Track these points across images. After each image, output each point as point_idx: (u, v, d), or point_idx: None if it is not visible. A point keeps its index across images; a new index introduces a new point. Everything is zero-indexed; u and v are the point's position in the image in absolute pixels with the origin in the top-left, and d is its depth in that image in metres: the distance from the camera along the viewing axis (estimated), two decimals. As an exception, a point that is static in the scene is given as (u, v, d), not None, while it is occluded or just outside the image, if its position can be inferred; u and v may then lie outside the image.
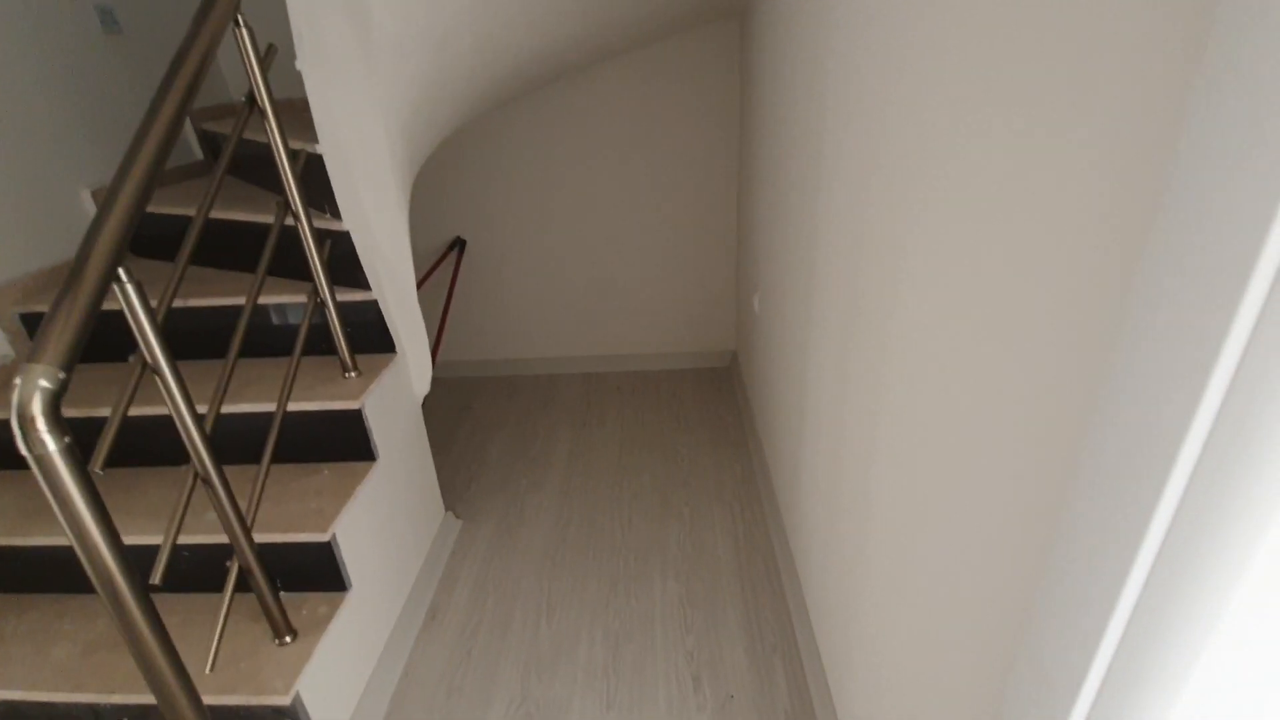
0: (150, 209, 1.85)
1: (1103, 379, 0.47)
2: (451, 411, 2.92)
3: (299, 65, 1.42)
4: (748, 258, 2.54)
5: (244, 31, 1.29)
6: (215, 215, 1.75)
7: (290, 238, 1.51)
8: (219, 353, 1.63)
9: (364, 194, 1.59)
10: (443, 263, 2.98)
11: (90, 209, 1.90)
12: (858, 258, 1.14)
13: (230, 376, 1.25)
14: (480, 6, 1.59)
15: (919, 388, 0.89)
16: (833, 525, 1.38)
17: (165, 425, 1.24)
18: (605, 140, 2.77)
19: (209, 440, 1.14)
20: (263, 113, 1.37)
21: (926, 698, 0.91)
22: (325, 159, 1.52)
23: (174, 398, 1.08)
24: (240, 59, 1.34)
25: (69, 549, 0.88)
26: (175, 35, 2.16)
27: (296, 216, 1.47)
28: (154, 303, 1.04)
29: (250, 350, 1.70)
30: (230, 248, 1.79)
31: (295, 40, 1.39)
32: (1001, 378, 0.67)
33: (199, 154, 2.34)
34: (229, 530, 1.20)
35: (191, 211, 1.81)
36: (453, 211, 2.92)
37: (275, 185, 1.82)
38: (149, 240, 1.96)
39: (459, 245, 3.01)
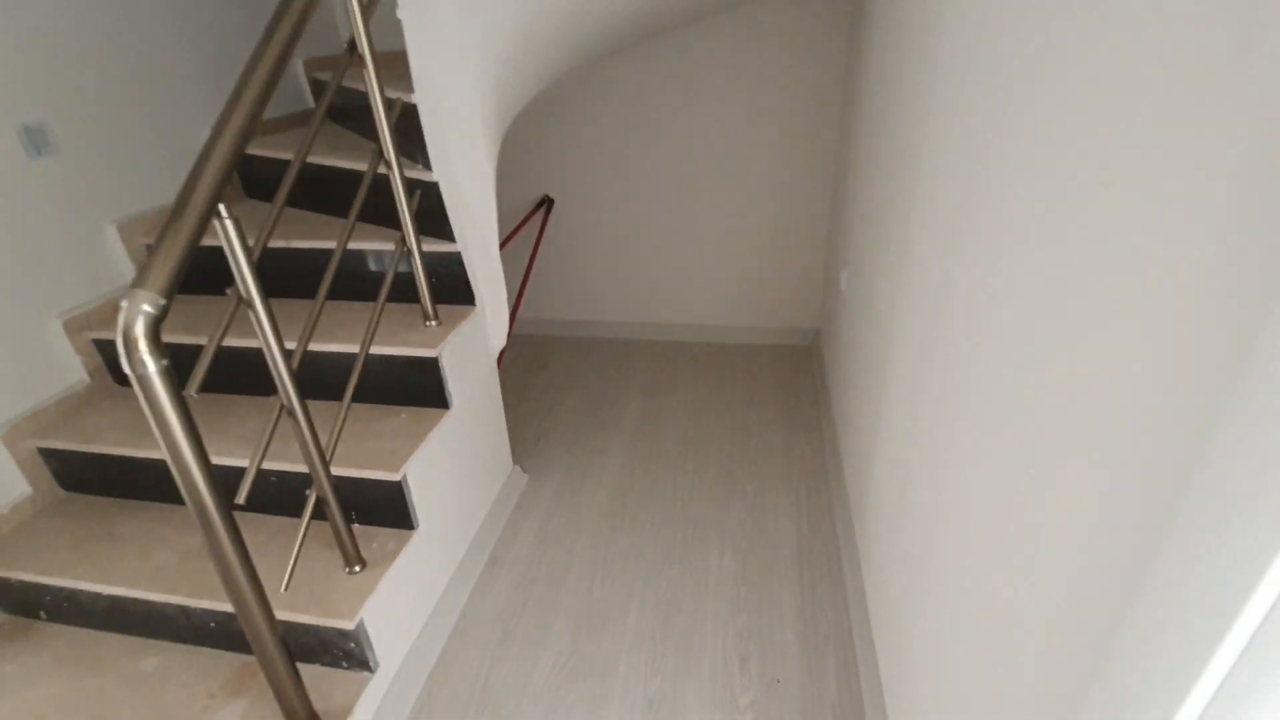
0: (256, 152, 1.96)
1: (1221, 384, 0.40)
2: (528, 367, 2.97)
3: (400, 13, 1.44)
4: (839, 234, 2.42)
5: (348, -25, 1.31)
6: (312, 160, 1.83)
7: (382, 186, 1.56)
8: (309, 293, 1.72)
9: (454, 146, 1.61)
10: (529, 221, 3.01)
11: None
12: (953, 250, 1.04)
13: (318, 317, 1.31)
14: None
15: (1003, 388, 0.81)
16: (901, 517, 1.31)
17: (256, 357, 1.31)
18: (698, 106, 2.69)
19: (295, 375, 1.20)
20: (362, 59, 1.40)
21: (988, 713, 0.85)
22: (419, 109, 1.55)
23: (265, 332, 1.13)
24: (345, 7, 1.36)
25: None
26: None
27: (390, 165, 1.50)
28: (250, 241, 1.09)
29: (338, 293, 1.78)
30: (325, 193, 1.87)
31: (398, -13, 1.41)
32: (1091, 380, 0.59)
33: (310, 102, 2.44)
34: (309, 461, 1.27)
35: (283, 154, 1.90)
36: (542, 169, 2.94)
37: (373, 133, 1.87)
38: (254, 182, 2.07)
39: (547, 204, 3.03)
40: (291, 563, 1.26)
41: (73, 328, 1.66)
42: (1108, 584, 0.57)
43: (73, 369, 1.69)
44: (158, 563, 1.45)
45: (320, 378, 1.60)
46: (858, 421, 1.84)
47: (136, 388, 0.88)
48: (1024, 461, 0.77)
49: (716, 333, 3.16)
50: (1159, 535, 0.50)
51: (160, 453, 0.94)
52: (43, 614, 1.52)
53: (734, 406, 2.61)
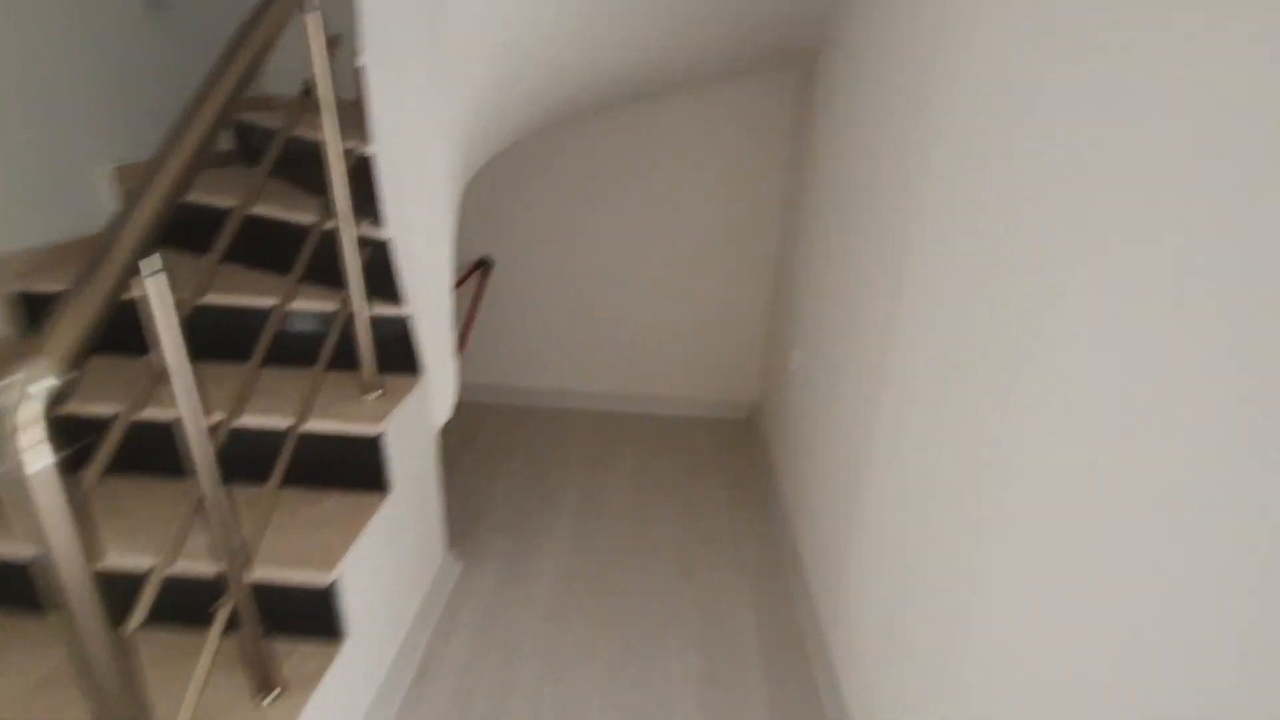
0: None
1: None
2: (460, 437, 2.76)
3: (361, 60, 1.32)
4: (786, 312, 2.44)
5: (314, 16, 1.19)
6: (251, 211, 1.63)
7: (326, 241, 1.39)
8: (234, 356, 1.50)
9: (413, 202, 1.48)
10: (465, 282, 2.86)
11: (107, 186, 1.78)
12: (962, 347, 1.02)
13: (248, 390, 1.11)
14: (565, 7, 1.51)
15: (1044, 507, 0.76)
16: (900, 637, 1.23)
17: (167, 432, 1.09)
18: (646, 173, 2.69)
19: (215, 458, 0.99)
20: (320, 107, 1.26)
21: None
22: (376, 162, 1.41)
23: (186, 411, 0.93)
24: (296, 47, 1.23)
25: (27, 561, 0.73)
26: (219, 12, 2.11)
27: (342, 220, 1.35)
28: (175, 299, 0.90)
29: (267, 358, 1.56)
30: (260, 246, 1.67)
31: (361, 32, 1.30)
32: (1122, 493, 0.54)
33: (227, 144, 2.23)
34: (223, 564, 1.05)
35: (216, 201, 1.69)
36: (480, 228, 2.82)
37: (314, 184, 1.70)
38: (174, 225, 1.83)
39: (485, 265, 2.90)
40: (193, 699, 1.02)
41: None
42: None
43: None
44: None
45: (245, 454, 1.36)
46: (820, 513, 1.79)
47: (11, 484, 0.67)
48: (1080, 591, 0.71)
49: (656, 403, 3.09)
50: None
51: (25, 552, 0.72)
52: None
53: (680, 483, 2.51)
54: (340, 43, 1.34)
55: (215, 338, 1.56)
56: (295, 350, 1.57)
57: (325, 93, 1.25)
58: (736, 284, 2.87)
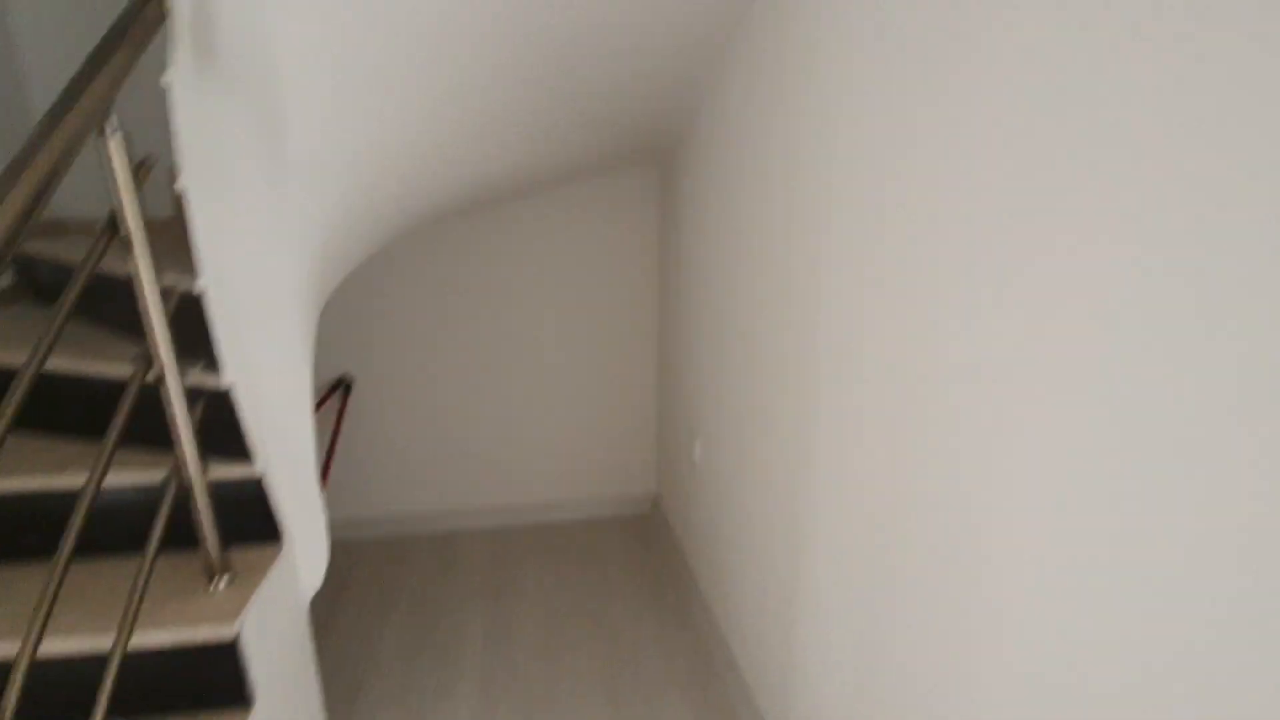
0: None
1: None
2: (329, 587, 2.36)
3: (181, 185, 1.12)
4: (683, 402, 2.39)
5: (116, 140, 0.98)
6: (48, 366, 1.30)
7: (147, 396, 1.13)
8: (27, 554, 1.16)
9: (257, 340, 1.26)
10: (325, 405, 2.55)
11: None
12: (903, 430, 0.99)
13: (50, 609, 0.82)
14: (426, 121, 1.40)
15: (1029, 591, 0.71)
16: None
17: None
18: (518, 272, 2.60)
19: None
20: (128, 241, 1.04)
21: None
22: (208, 299, 1.19)
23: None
24: (98, 170, 1.01)
25: None
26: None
27: (166, 369, 1.10)
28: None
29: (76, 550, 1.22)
30: (60, 407, 1.34)
31: (179, 153, 1.10)
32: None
33: (5, 280, 1.84)
34: None
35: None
36: (338, 342, 2.55)
37: (128, 326, 1.41)
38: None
39: (345, 385, 2.60)
40: None
41: None
42: None
43: None
44: None
45: (52, 694, 1.01)
46: (753, 613, 1.69)
47: None
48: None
49: (553, 510, 2.88)
50: None
51: None
52: None
53: (592, 599, 2.30)
54: (154, 162, 1.13)
55: (3, 534, 1.20)
56: (117, 535, 1.24)
57: (135, 228, 1.02)
58: (621, 377, 2.80)
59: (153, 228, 1.19)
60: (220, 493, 1.23)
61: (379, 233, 1.69)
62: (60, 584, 0.86)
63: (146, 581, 1.02)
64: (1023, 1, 0.72)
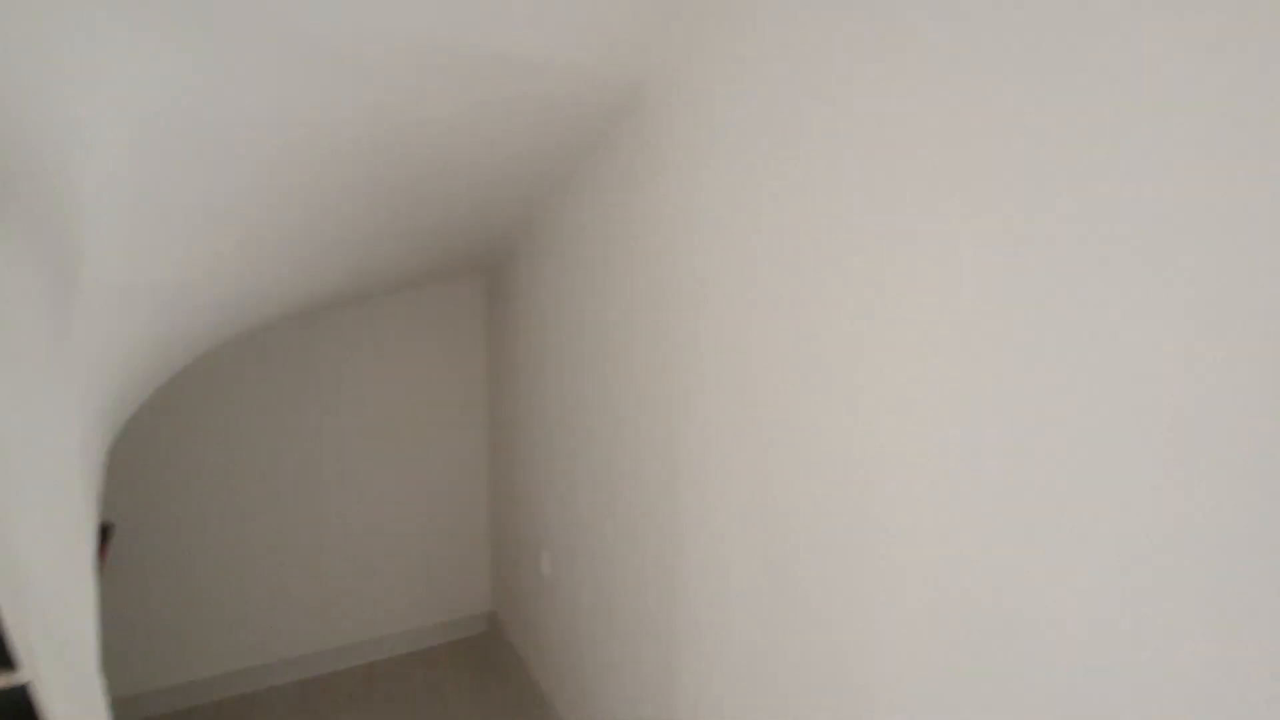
0: None
1: None
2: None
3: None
4: (522, 515, 2.32)
5: None
6: None
7: None
8: None
9: (21, 518, 1.02)
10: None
11: None
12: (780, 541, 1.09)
13: None
14: (241, 249, 1.30)
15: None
16: None
17: None
18: (331, 390, 2.40)
19: None
20: None
21: None
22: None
23: None
24: None
25: None
26: None
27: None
28: None
29: None
30: None
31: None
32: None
33: None
34: None
35: None
36: (106, 484, 2.11)
37: None
38: None
39: (102, 533, 2.14)
40: None
41: None
42: None
43: None
44: None
45: None
46: (622, 716, 1.66)
47: None
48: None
49: (376, 646, 2.58)
50: None
51: None
52: None
53: (433, 746, 2.08)
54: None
55: None
56: None
57: None
58: (451, 494, 2.66)
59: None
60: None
61: (189, 353, 1.49)
62: None
63: None
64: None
